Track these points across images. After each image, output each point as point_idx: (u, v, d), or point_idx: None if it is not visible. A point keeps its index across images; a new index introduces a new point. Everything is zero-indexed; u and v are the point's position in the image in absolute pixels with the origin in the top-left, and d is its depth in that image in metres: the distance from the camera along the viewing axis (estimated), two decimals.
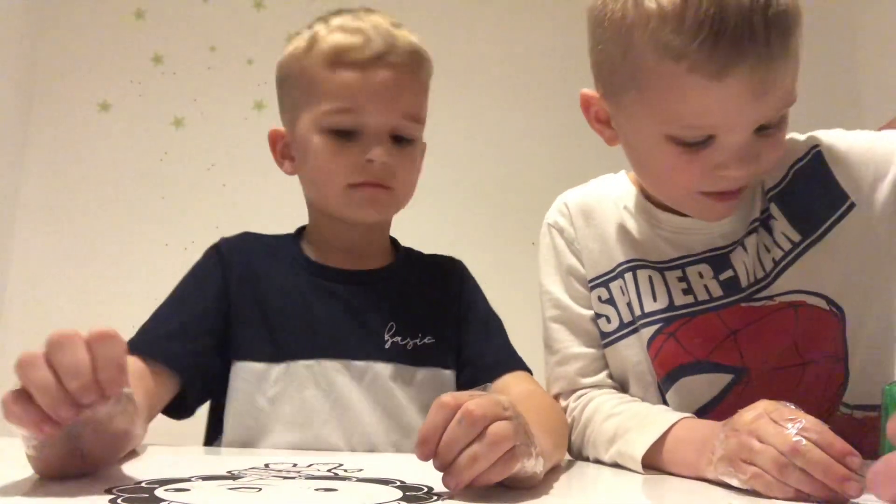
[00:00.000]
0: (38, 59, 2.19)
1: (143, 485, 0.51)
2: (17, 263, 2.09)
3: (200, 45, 2.22)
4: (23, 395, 0.47)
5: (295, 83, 0.85)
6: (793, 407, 0.57)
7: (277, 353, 0.82)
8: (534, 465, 0.53)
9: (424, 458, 0.50)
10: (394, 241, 0.96)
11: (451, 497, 0.50)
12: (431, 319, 0.88)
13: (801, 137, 0.82)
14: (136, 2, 2.23)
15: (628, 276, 0.83)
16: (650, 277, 0.82)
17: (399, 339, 0.85)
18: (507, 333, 0.93)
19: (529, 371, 0.87)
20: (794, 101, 0.70)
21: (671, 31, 0.65)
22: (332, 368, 0.82)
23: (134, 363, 0.71)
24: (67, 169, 2.15)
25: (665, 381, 0.80)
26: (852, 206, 0.77)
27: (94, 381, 0.47)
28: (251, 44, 2.20)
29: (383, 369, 0.83)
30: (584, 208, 0.89)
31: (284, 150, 0.89)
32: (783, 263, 0.78)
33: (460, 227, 2.08)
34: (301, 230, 0.94)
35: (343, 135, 0.82)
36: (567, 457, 0.80)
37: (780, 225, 0.79)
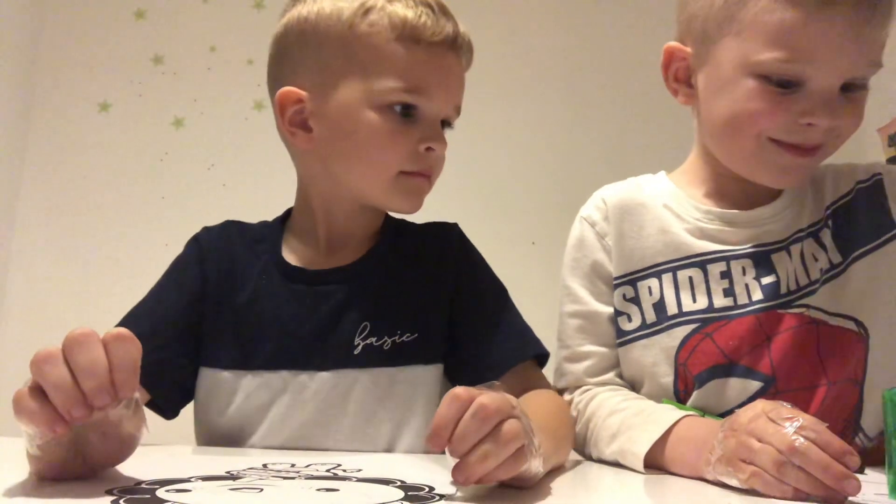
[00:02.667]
0: (38, 59, 2.18)
1: (143, 485, 0.51)
2: (17, 263, 2.09)
3: (200, 45, 2.22)
4: (37, 392, 0.46)
5: (339, 46, 0.76)
6: (790, 406, 0.58)
7: (245, 361, 0.79)
8: (537, 466, 0.53)
9: (436, 449, 0.49)
10: (385, 221, 0.89)
11: (452, 497, 0.50)
12: (415, 312, 0.81)
13: (865, 164, 0.85)
14: (136, 2, 2.23)
15: (666, 276, 0.82)
16: (690, 278, 0.81)
17: (374, 339, 0.79)
18: (511, 303, 0.85)
19: (540, 353, 0.81)
20: (881, 65, 0.73)
21: None
22: (297, 382, 0.78)
23: None
24: (67, 169, 2.15)
25: (694, 383, 0.79)
26: None
27: (109, 382, 0.46)
28: (251, 44, 2.19)
29: (354, 379, 0.78)
30: (622, 205, 0.88)
31: (296, 116, 0.79)
32: (825, 278, 0.79)
33: (460, 226, 2.08)
34: (286, 216, 0.89)
35: (403, 115, 0.77)
36: (573, 456, 0.79)
37: (829, 242, 0.80)
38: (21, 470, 0.53)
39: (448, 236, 0.89)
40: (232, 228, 0.88)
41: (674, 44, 0.82)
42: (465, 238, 0.90)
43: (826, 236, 0.81)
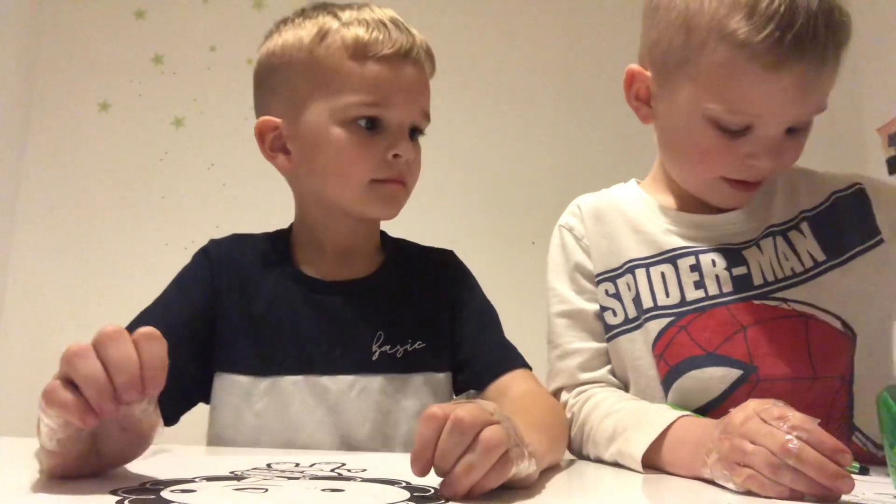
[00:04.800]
0: (38, 58, 2.19)
1: (147, 485, 0.51)
2: (17, 263, 2.09)
3: (200, 45, 2.23)
4: (69, 385, 0.47)
5: (301, 72, 0.83)
6: (781, 404, 0.58)
7: (263, 367, 0.82)
8: (527, 467, 0.53)
9: (420, 473, 0.50)
10: (383, 236, 0.95)
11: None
12: (422, 323, 0.87)
13: (840, 173, 0.87)
14: (136, 2, 2.23)
15: (640, 272, 0.84)
16: (663, 274, 0.83)
17: (388, 347, 0.84)
18: (502, 326, 0.91)
19: (528, 366, 0.86)
20: (825, 108, 0.76)
21: (741, 20, 0.70)
22: (318, 384, 0.81)
23: None
24: (67, 169, 2.15)
25: (671, 374, 0.80)
26: (881, 241, 0.81)
27: (139, 378, 0.47)
28: (251, 44, 2.18)
29: (372, 382, 0.82)
30: (595, 209, 0.92)
31: (276, 142, 0.85)
32: (803, 277, 0.81)
33: (460, 227, 2.09)
34: (290, 229, 0.92)
35: (368, 128, 0.81)
36: (568, 456, 0.80)
37: (807, 243, 0.82)
38: (22, 470, 0.53)
39: (448, 262, 0.95)
40: (240, 242, 0.91)
41: (636, 67, 0.85)
42: (462, 264, 0.96)
43: (798, 239, 0.82)
